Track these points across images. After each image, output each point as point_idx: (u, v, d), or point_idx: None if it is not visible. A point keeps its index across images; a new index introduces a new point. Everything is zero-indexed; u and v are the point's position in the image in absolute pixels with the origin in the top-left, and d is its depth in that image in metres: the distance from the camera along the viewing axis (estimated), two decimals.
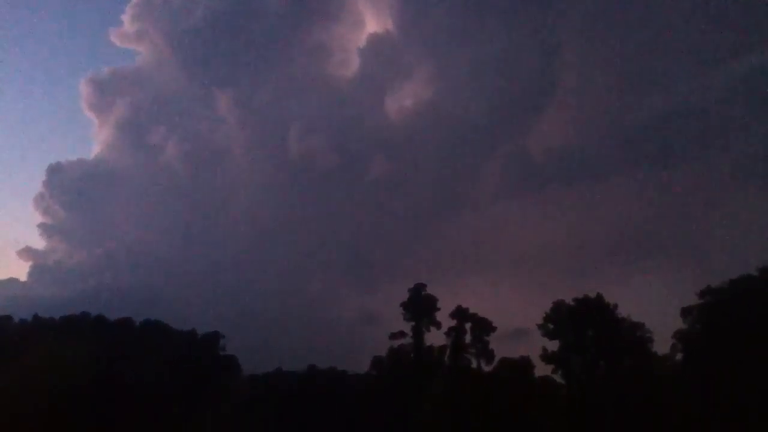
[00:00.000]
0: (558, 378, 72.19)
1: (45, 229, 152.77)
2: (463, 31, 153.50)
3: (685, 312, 66.32)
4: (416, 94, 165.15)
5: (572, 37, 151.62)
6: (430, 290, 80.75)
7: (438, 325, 78.63)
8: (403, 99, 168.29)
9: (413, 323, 79.13)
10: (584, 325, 70.39)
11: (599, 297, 71.03)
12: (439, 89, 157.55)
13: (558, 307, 72.20)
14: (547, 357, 71.70)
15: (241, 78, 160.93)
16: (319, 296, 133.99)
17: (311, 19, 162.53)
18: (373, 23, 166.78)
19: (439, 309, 78.73)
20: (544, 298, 77.65)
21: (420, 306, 79.18)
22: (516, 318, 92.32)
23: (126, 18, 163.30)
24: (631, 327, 69.84)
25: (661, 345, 68.97)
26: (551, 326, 71.90)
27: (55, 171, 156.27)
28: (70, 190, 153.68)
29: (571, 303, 71.78)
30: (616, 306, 70.08)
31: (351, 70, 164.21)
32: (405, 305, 79.71)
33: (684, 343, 66.10)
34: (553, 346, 71.69)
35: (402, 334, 78.90)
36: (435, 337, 79.08)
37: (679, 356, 67.19)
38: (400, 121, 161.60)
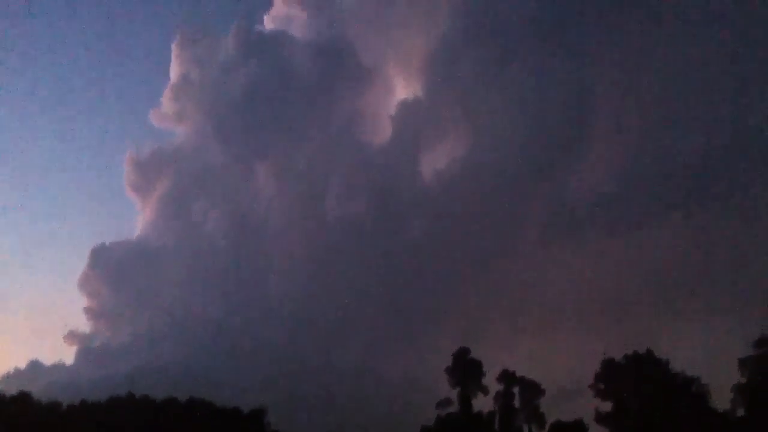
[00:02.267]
0: None
1: (90, 312, 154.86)
2: (492, 86, 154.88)
3: (743, 363, 63.86)
4: (450, 152, 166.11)
5: (604, 80, 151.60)
6: (474, 350, 79.44)
7: (485, 390, 76.83)
8: (438, 159, 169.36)
9: (459, 389, 77.58)
10: (637, 382, 67.94)
11: (650, 352, 68.71)
12: (472, 145, 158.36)
13: (608, 365, 69.86)
14: (601, 418, 69.25)
15: (277, 148, 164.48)
16: (363, 362, 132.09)
17: (344, 87, 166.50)
18: (402, 90, 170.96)
19: (484, 374, 77.14)
20: (592, 353, 75.52)
21: (465, 371, 77.52)
22: (564, 376, 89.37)
23: (165, 99, 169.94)
24: (687, 382, 67.16)
25: (719, 400, 66.19)
26: (602, 386, 69.64)
27: (99, 253, 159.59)
28: (114, 271, 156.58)
29: (621, 360, 69.61)
30: (668, 362, 67.72)
31: (383, 136, 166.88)
32: (450, 370, 78.21)
33: (745, 396, 63.19)
34: (605, 406, 69.42)
35: (448, 401, 77.19)
36: (483, 403, 77.41)
37: (740, 411, 64.13)
38: (436, 180, 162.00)
